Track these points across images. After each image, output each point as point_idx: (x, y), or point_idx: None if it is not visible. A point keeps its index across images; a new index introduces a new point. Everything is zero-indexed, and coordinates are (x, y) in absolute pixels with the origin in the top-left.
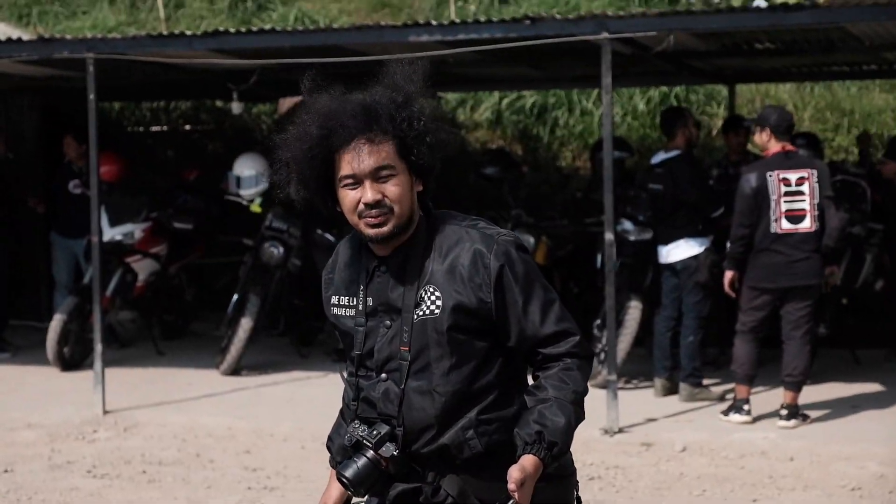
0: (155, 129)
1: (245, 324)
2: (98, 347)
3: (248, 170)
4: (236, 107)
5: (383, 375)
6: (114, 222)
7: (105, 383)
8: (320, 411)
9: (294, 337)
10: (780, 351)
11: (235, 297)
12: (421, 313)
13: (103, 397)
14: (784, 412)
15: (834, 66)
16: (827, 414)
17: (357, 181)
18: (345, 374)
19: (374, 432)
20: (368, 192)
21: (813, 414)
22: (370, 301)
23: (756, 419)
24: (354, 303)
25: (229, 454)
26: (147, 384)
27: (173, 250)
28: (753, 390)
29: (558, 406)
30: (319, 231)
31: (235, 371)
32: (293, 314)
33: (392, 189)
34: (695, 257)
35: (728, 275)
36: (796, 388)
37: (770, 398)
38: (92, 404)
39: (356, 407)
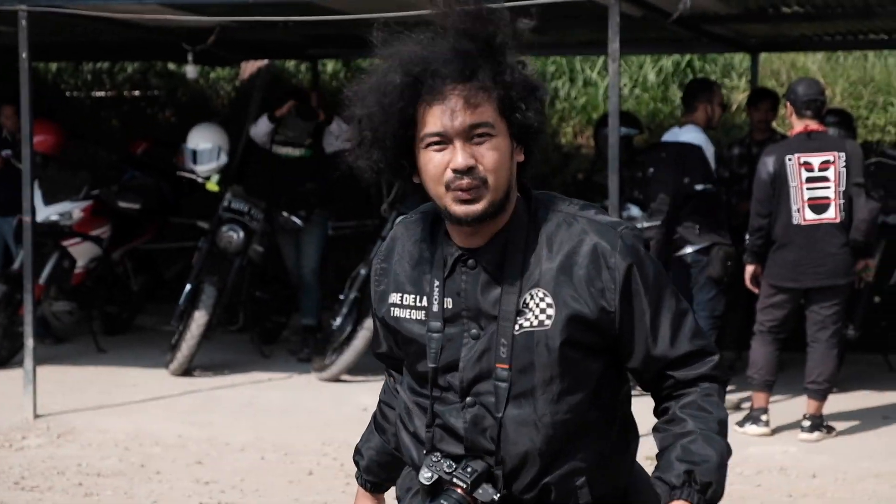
0: (98, 94)
1: (199, 318)
2: (29, 342)
3: (204, 143)
4: (191, 70)
5: (469, 399)
6: (49, 200)
7: (37, 383)
8: (282, 418)
9: (255, 334)
10: (803, 354)
11: (188, 287)
12: (527, 324)
13: (34, 399)
14: (806, 423)
15: (871, 35)
16: (855, 426)
17: (445, 140)
18: (400, 390)
19: (469, 469)
20: (459, 155)
21: (839, 426)
22: (449, 303)
23: (775, 431)
24: (425, 303)
25: (179, 465)
26: (85, 385)
27: (117, 233)
28: (772, 398)
29: (705, 440)
30: (285, 213)
31: (187, 371)
32: (254, 308)
33: (489, 154)
34: (706, 250)
35: (749, 269)
36: (821, 396)
37: (791, 408)
38: (21, 407)
39: (431, 436)
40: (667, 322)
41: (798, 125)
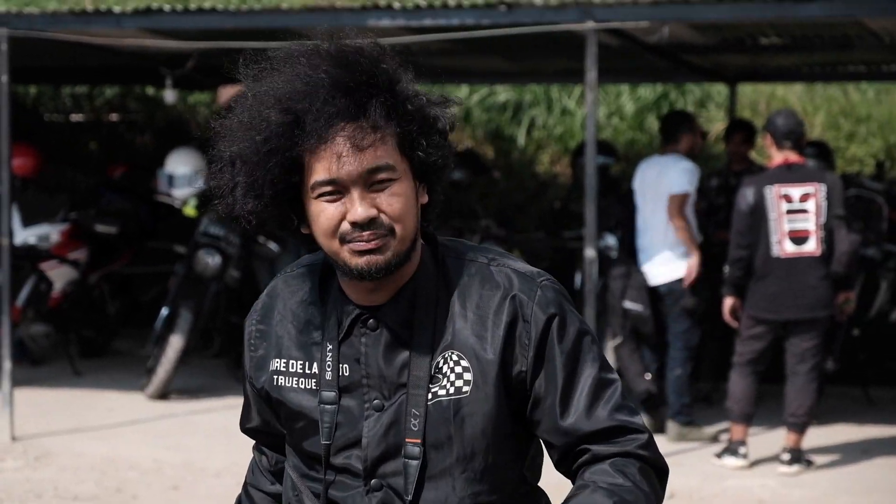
0: (76, 118)
1: (175, 342)
2: (6, 365)
3: (181, 167)
4: (170, 95)
5: (374, 482)
6: (27, 222)
7: (13, 406)
8: None
9: (230, 358)
10: (781, 387)
11: (164, 311)
12: (442, 392)
13: (11, 422)
14: (786, 456)
15: (850, 66)
16: (834, 460)
17: (339, 189)
18: (287, 469)
19: None
20: (358, 207)
21: (818, 459)
22: (345, 370)
23: (753, 463)
24: (316, 370)
25: (154, 490)
26: (62, 408)
27: (95, 257)
28: (751, 431)
29: (606, 493)
30: (262, 239)
31: (163, 395)
32: (230, 332)
33: (393, 201)
34: (680, 280)
35: (727, 302)
36: (800, 429)
37: (770, 440)
38: None
39: None
40: (584, 390)
41: (778, 157)
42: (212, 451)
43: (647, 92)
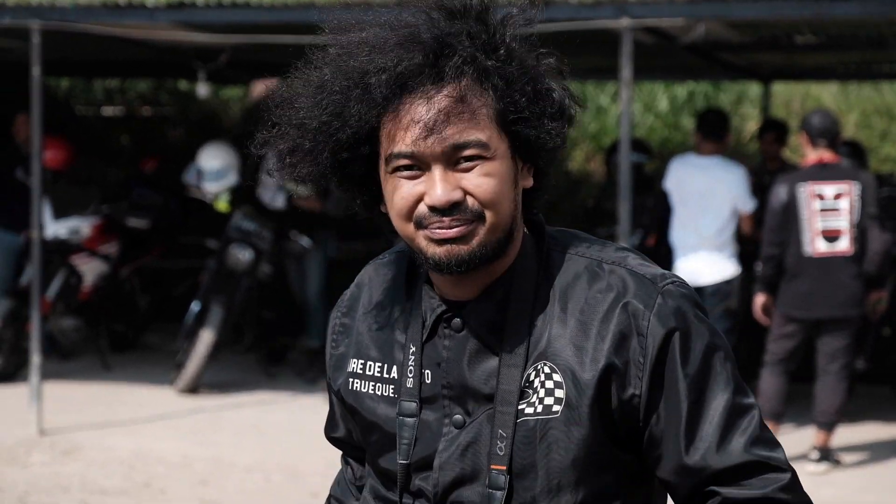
0: (108, 111)
1: (205, 337)
2: (36, 358)
3: (214, 162)
4: (202, 89)
5: None
6: (58, 215)
7: (42, 400)
8: (288, 439)
9: (261, 354)
10: (812, 386)
11: (195, 306)
12: (529, 410)
13: (40, 415)
14: (815, 455)
15: (884, 65)
16: (863, 459)
17: (418, 165)
18: (365, 491)
19: None
20: (438, 187)
21: (847, 458)
22: (428, 376)
23: None
24: (395, 375)
25: (183, 485)
26: (91, 402)
27: (126, 250)
28: (780, 429)
29: None
30: (293, 234)
31: (193, 390)
32: (261, 328)
33: (482, 182)
34: (728, 281)
35: (759, 299)
36: (829, 427)
37: (799, 439)
38: (26, 423)
39: None
40: (714, 419)
41: (812, 155)
42: (241, 446)
43: (681, 90)
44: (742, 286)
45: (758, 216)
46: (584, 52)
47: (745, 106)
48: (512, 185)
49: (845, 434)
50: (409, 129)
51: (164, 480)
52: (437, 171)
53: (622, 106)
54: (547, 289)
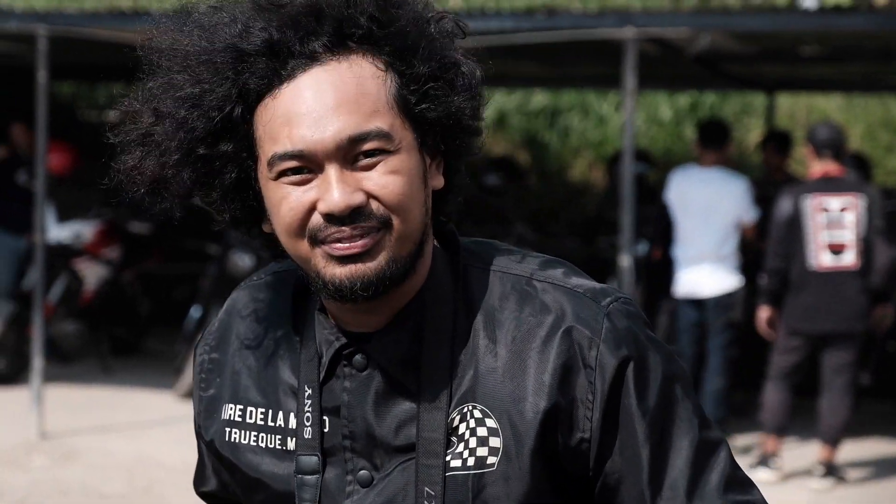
0: (111, 116)
1: None
2: (37, 362)
3: None
4: None
5: None
6: (61, 219)
7: (43, 403)
8: None
9: None
10: (816, 400)
11: (196, 311)
12: (457, 463)
13: (41, 419)
14: (820, 470)
15: (890, 77)
16: (868, 474)
17: (307, 167)
18: None
19: None
20: (335, 190)
21: (851, 473)
22: (327, 425)
23: (786, 476)
24: (282, 423)
25: (183, 490)
26: (91, 406)
27: (127, 255)
28: (785, 444)
29: None
30: None
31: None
32: None
33: (387, 182)
34: (730, 294)
35: (763, 312)
36: (834, 443)
37: (804, 454)
38: (27, 427)
39: None
40: (682, 463)
41: (817, 167)
42: None
43: (684, 100)
44: (745, 298)
45: (761, 227)
46: (585, 60)
47: (750, 117)
48: (422, 184)
49: (850, 449)
50: (292, 123)
51: (163, 485)
52: (331, 172)
53: (625, 116)
54: (468, 314)
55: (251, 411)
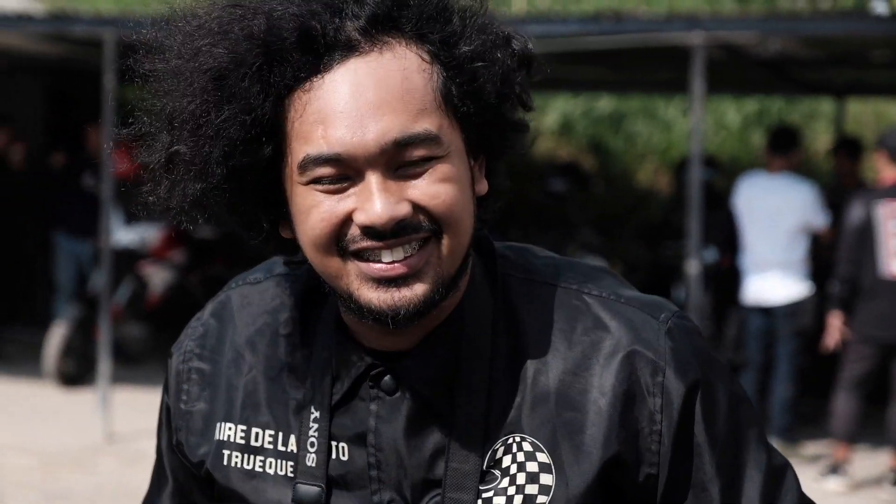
0: None
1: None
2: (104, 365)
3: None
4: None
5: None
6: (128, 223)
7: (110, 406)
8: None
9: None
10: (887, 408)
11: None
12: (500, 501)
13: (107, 421)
14: (893, 477)
15: None
16: None
17: (345, 173)
18: None
19: None
20: (377, 200)
21: None
22: (343, 452)
23: (857, 485)
24: (292, 448)
25: None
26: (156, 408)
27: (193, 259)
28: (856, 451)
29: None
30: None
31: None
32: None
33: (439, 191)
34: (800, 302)
35: (835, 319)
36: None
37: (874, 462)
38: (93, 429)
39: None
40: (754, 490)
41: (890, 173)
42: None
43: (752, 105)
44: (815, 306)
45: (833, 234)
46: (651, 64)
47: (818, 122)
48: (470, 192)
49: None
50: (328, 122)
51: None
52: (372, 179)
53: (693, 122)
54: (510, 331)
55: (257, 433)
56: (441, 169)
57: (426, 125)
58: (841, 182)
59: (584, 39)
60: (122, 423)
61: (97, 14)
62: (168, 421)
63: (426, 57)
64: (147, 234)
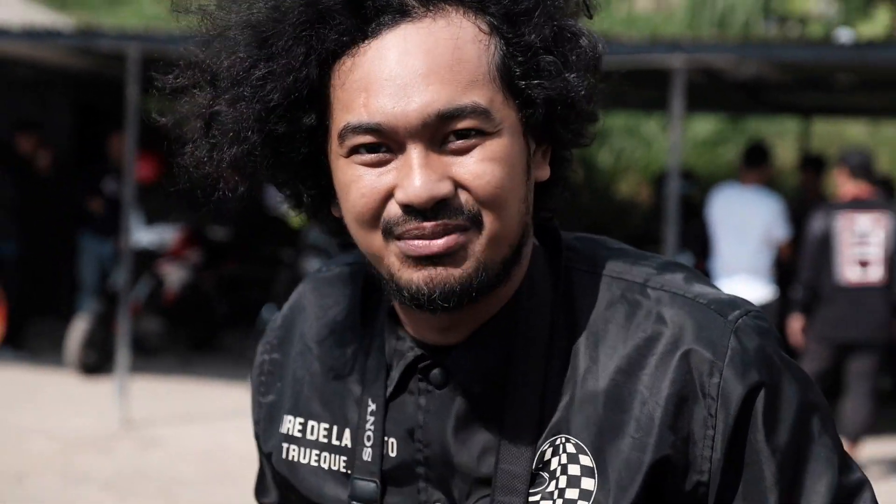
0: None
1: None
2: (122, 356)
3: None
4: None
5: None
6: (148, 224)
7: (127, 394)
8: None
9: None
10: (840, 402)
11: (268, 311)
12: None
13: (125, 408)
14: None
15: None
16: (887, 472)
17: (386, 144)
18: None
19: None
20: (417, 176)
21: (872, 471)
22: (393, 447)
23: None
24: (347, 442)
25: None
26: (172, 397)
27: (208, 258)
28: None
29: None
30: None
31: None
32: None
33: (484, 170)
34: (764, 306)
35: (796, 322)
36: (855, 440)
37: None
38: (112, 415)
39: None
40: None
41: (850, 188)
42: None
43: (720, 123)
44: (778, 309)
45: (795, 244)
46: (634, 84)
47: (783, 140)
48: (524, 175)
49: (871, 449)
50: (371, 90)
51: (238, 473)
52: (414, 154)
53: (671, 139)
54: (569, 326)
55: (312, 426)
56: (490, 146)
57: (475, 97)
58: (805, 195)
59: None
60: (138, 411)
61: (122, 30)
62: (253, 416)
63: (484, 27)
64: (165, 235)
